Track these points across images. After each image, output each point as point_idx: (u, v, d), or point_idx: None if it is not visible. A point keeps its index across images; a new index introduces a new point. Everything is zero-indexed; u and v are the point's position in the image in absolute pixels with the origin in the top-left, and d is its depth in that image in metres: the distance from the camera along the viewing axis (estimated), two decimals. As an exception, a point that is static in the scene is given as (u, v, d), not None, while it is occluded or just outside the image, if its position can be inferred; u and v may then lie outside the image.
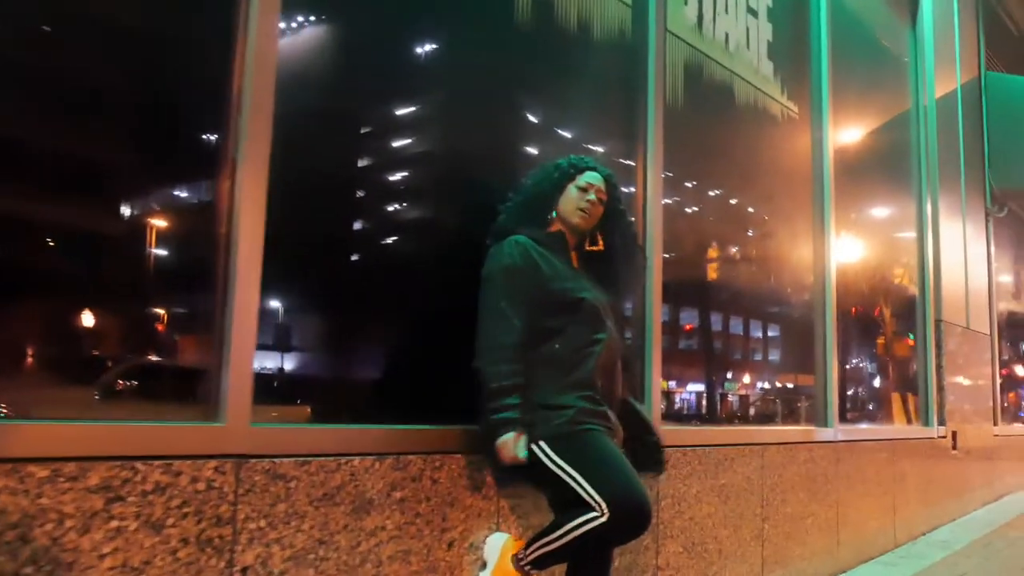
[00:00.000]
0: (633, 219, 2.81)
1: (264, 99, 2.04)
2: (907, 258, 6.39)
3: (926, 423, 6.10)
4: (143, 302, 2.03)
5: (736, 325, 4.72)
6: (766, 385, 5.02)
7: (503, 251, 2.37)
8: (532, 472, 2.27)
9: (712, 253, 4.36)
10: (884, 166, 6.18)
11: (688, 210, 4.11)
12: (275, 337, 2.24)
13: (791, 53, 4.79)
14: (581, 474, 2.18)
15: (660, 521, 3.14)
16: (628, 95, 3.51)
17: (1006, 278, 8.86)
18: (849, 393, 5.67)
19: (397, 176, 2.72)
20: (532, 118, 3.15)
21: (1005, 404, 8.42)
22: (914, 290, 6.31)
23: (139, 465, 1.71)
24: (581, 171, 2.52)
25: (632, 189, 3.40)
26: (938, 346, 6.23)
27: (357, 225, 2.56)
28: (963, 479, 6.60)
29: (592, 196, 2.49)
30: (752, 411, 4.76)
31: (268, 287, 2.02)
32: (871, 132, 5.91)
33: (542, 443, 2.23)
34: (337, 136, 2.49)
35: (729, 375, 4.78)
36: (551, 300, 2.35)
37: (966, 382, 6.84)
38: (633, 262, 2.66)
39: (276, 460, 1.95)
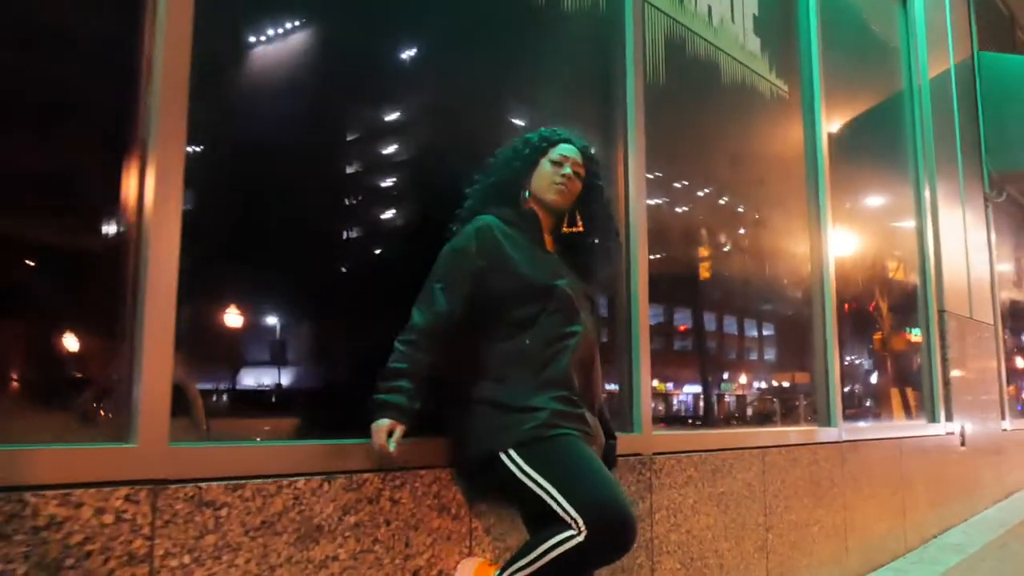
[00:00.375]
0: (610, 199, 2.57)
1: (178, 68, 1.78)
2: (903, 248, 6.16)
3: (933, 419, 5.86)
4: (37, 306, 1.76)
5: (730, 322, 4.48)
6: (764, 384, 4.77)
7: (463, 232, 2.16)
8: (502, 485, 2.02)
9: (701, 246, 4.11)
10: (879, 149, 5.95)
11: (675, 200, 3.86)
12: (201, 344, 1.97)
13: (779, 28, 4.55)
14: (554, 486, 1.92)
15: (655, 535, 2.88)
16: (605, 71, 3.26)
17: (1006, 266, 8.62)
18: (846, 390, 5.42)
19: (332, 161, 2.42)
20: (496, 100, 2.88)
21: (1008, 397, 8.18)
22: (911, 282, 6.08)
23: (29, 496, 1.45)
24: (554, 144, 2.28)
25: (614, 186, 3.14)
26: (942, 338, 6.00)
27: (291, 217, 2.22)
28: (973, 477, 6.35)
29: (568, 170, 2.25)
30: (750, 412, 4.51)
31: (187, 287, 1.76)
32: (865, 114, 5.68)
33: (511, 451, 1.98)
34: (268, 114, 2.21)
35: (725, 375, 4.53)
36: (518, 287, 2.11)
37: (972, 375, 6.60)
38: (608, 244, 2.42)
39: (202, 485, 1.69)
